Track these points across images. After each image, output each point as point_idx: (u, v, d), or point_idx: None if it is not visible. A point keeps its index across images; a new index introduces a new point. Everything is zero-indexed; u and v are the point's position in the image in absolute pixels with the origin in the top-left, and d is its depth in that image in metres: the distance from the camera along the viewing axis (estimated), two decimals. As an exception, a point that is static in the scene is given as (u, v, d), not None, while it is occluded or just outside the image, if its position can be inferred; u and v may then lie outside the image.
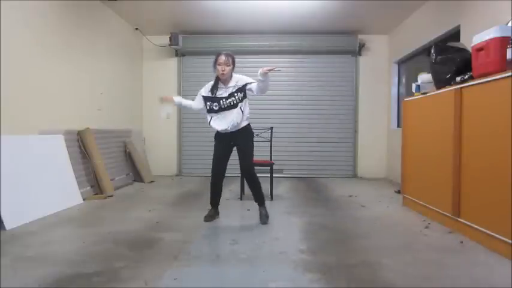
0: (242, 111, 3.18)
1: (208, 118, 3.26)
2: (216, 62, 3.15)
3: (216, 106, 3.18)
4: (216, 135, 3.32)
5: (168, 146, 6.67)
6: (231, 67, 3.15)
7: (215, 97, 3.19)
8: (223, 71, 3.11)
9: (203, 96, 3.26)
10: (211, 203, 3.40)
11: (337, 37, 6.32)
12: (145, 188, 5.16)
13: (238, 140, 3.26)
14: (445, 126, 3.06)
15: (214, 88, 3.20)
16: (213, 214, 3.35)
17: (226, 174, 3.35)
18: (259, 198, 3.37)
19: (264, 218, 3.27)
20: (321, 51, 6.43)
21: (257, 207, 3.39)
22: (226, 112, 3.17)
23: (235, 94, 3.16)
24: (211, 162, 3.31)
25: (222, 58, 3.11)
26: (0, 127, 3.22)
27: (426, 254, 2.44)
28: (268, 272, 2.15)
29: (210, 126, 3.26)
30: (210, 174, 3.34)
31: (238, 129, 3.22)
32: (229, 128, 3.17)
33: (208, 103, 3.23)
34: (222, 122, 3.18)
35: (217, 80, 3.21)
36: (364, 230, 3.07)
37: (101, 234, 2.86)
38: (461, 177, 2.89)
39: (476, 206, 2.70)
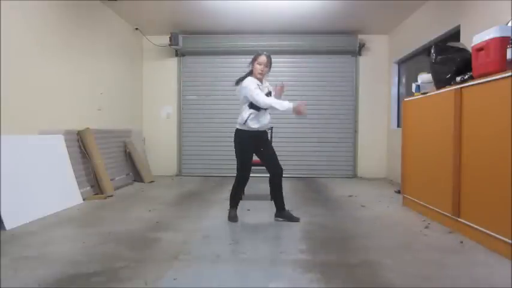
0: (269, 113, 3.26)
1: (246, 115, 3.12)
2: (255, 60, 3.17)
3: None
4: (240, 140, 3.19)
5: (168, 146, 6.66)
6: (268, 68, 3.21)
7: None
8: (261, 71, 3.16)
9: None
10: (233, 204, 3.36)
11: (337, 37, 6.32)
12: (145, 188, 5.16)
13: (265, 141, 3.30)
14: (445, 126, 3.06)
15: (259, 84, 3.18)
16: (235, 215, 3.32)
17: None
18: (282, 203, 3.35)
19: (295, 218, 3.29)
20: (321, 51, 6.43)
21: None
22: (262, 111, 3.17)
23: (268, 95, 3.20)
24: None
25: (264, 59, 3.15)
26: (0, 127, 3.22)
27: (426, 254, 2.44)
28: (268, 272, 2.15)
29: (245, 124, 3.13)
30: (239, 174, 3.26)
31: (265, 130, 3.29)
32: (263, 127, 3.22)
33: None
34: (259, 120, 3.16)
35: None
36: (364, 229, 3.07)
37: (101, 234, 2.86)
38: (461, 177, 2.88)
39: (476, 206, 2.70)
